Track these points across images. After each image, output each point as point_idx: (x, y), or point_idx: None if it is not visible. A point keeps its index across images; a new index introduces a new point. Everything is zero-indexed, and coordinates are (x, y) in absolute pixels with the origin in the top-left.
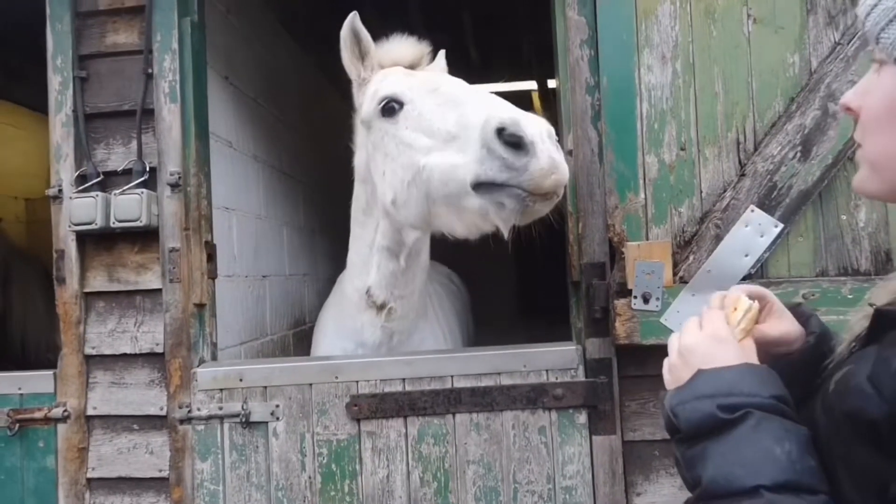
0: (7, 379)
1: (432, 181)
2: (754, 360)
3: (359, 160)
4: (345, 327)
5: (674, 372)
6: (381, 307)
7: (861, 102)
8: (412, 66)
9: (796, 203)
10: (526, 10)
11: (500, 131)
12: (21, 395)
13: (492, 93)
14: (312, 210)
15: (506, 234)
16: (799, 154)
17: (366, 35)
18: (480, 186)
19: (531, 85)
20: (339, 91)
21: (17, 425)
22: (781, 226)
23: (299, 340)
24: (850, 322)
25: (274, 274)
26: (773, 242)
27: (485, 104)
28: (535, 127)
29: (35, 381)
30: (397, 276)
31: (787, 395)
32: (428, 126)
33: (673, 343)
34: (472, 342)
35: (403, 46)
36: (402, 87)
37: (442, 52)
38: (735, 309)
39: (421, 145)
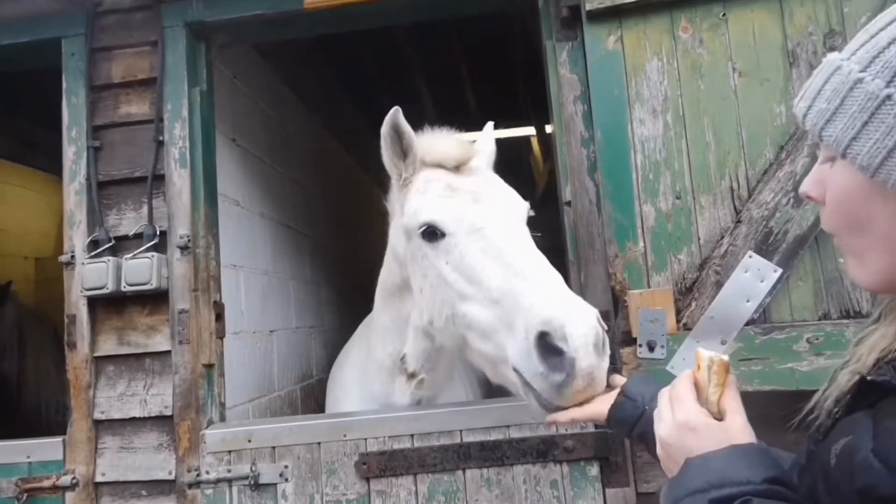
0: (16, 447)
1: (471, 331)
2: (739, 431)
3: (396, 241)
4: (371, 391)
5: (664, 463)
6: (412, 375)
7: (821, 192)
8: (457, 166)
9: (793, 248)
10: (521, 62)
11: (542, 336)
12: (30, 463)
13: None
14: (318, 263)
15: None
16: (792, 200)
17: (408, 131)
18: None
19: (530, 130)
20: (344, 146)
21: (25, 495)
22: (780, 270)
23: (307, 395)
24: (836, 375)
25: (281, 328)
26: (774, 287)
27: (531, 283)
28: (581, 335)
29: (44, 449)
30: (430, 353)
31: (781, 475)
32: (470, 274)
33: (657, 430)
34: (485, 392)
35: (447, 145)
36: (443, 215)
37: (490, 125)
38: (699, 367)
39: (461, 290)
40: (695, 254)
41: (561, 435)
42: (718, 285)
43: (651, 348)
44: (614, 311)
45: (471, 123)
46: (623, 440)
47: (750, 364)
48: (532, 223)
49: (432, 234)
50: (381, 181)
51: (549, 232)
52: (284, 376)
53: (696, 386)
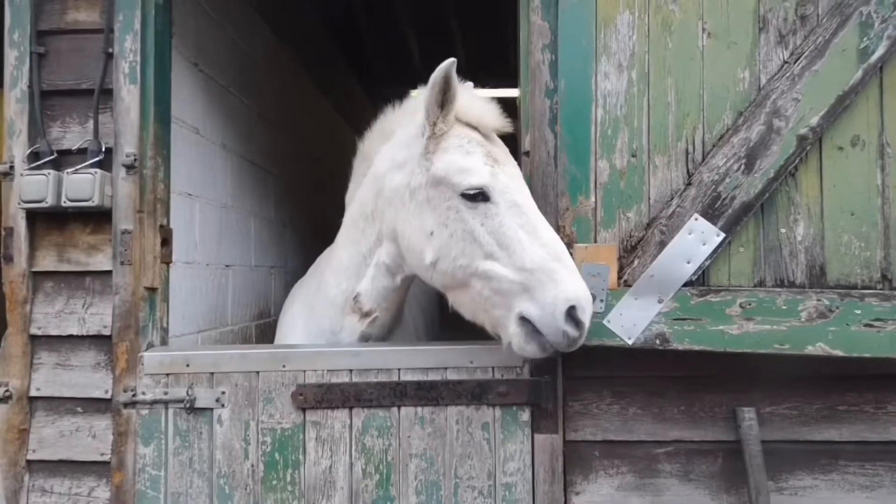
0: None
1: (485, 287)
2: None
3: (379, 170)
4: (318, 326)
5: None
6: (365, 314)
7: None
8: (486, 135)
9: (738, 214)
10: (512, 19)
11: (571, 309)
12: None
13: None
14: (284, 203)
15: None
16: (743, 167)
17: (456, 87)
18: (526, 321)
19: (517, 93)
20: (320, 87)
21: None
22: (723, 235)
23: (262, 332)
24: None
25: (238, 264)
26: (715, 251)
27: (563, 265)
28: (590, 313)
29: None
30: (389, 292)
31: None
32: (504, 242)
33: None
34: (436, 337)
35: (489, 112)
36: (493, 184)
37: (468, 85)
38: None
39: (488, 250)
40: (643, 213)
41: (496, 380)
42: (662, 245)
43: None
44: None
45: (459, 77)
46: (556, 388)
47: (683, 324)
48: None
49: (475, 197)
50: (357, 126)
51: None
52: (239, 312)
53: None
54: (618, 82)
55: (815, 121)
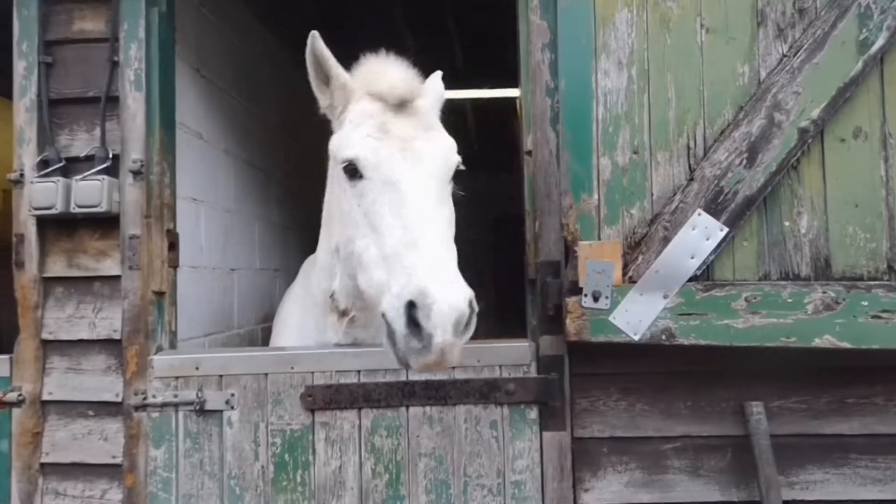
0: None
1: (361, 270)
2: None
3: (330, 169)
4: (308, 325)
5: None
6: (342, 313)
7: None
8: (400, 103)
9: (741, 208)
10: (511, 20)
11: (411, 305)
12: None
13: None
14: (286, 206)
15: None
16: (745, 161)
17: (328, 58)
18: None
19: (516, 93)
20: None
21: None
22: (727, 230)
23: (268, 335)
24: None
25: (244, 268)
26: (719, 246)
27: (419, 253)
28: (441, 314)
29: None
30: (358, 290)
31: None
32: (375, 223)
33: None
34: None
35: (393, 79)
36: (366, 157)
37: (437, 75)
38: None
39: (364, 233)
40: (646, 209)
41: (504, 378)
42: (666, 241)
43: (596, 298)
44: (565, 261)
45: (457, 78)
46: (563, 386)
47: (689, 319)
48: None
49: (352, 172)
50: None
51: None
52: (245, 315)
53: None
54: (618, 80)
55: (816, 113)
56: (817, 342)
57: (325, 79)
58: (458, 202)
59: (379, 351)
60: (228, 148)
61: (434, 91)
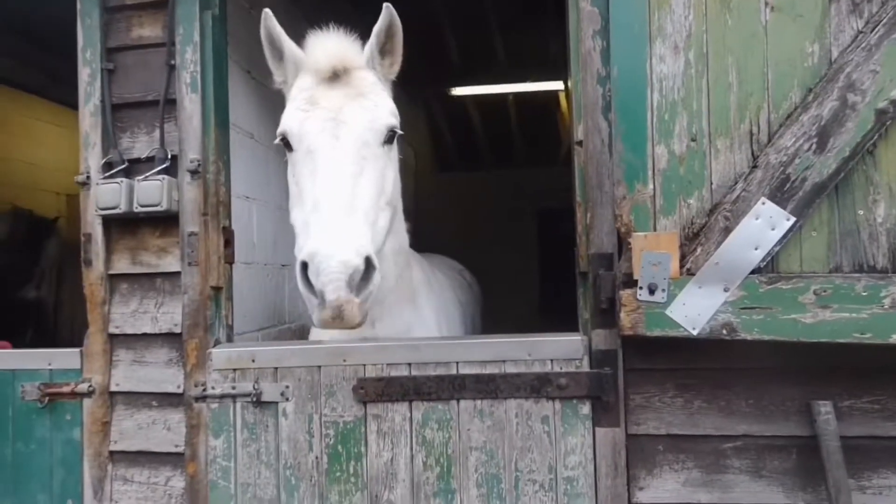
0: (38, 355)
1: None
2: None
3: None
4: None
5: None
6: None
7: None
8: (334, 74)
9: (810, 196)
10: (553, 12)
11: (305, 266)
12: (51, 370)
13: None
14: None
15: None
16: (814, 146)
17: (280, 36)
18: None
19: (558, 85)
20: None
21: (47, 398)
22: (794, 219)
23: None
24: None
25: (293, 264)
26: (785, 236)
27: (318, 216)
28: (330, 271)
29: (63, 358)
30: None
31: None
32: (301, 194)
33: None
34: (477, 333)
35: (321, 52)
36: (291, 130)
37: (387, 6)
38: None
39: (295, 202)
40: (705, 199)
41: (555, 373)
42: (727, 231)
43: (652, 291)
44: (618, 253)
45: (498, 73)
46: (617, 381)
47: (752, 313)
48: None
49: (287, 145)
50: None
51: None
52: (295, 310)
53: None
54: (674, 65)
55: (895, 93)
56: (895, 338)
57: (279, 55)
58: (501, 196)
59: (430, 343)
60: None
61: (377, 36)
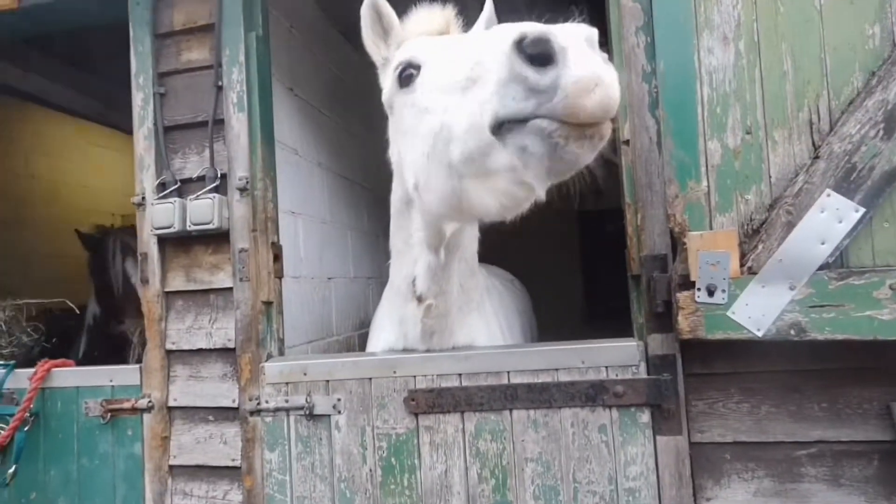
0: (101, 372)
1: (452, 143)
2: None
3: (391, 151)
4: (393, 319)
5: None
6: (420, 300)
7: None
8: (441, 34)
9: (880, 185)
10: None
11: (520, 43)
12: (112, 386)
13: None
14: (376, 215)
15: (541, 193)
16: (882, 132)
17: (388, 9)
18: (504, 129)
19: None
20: None
21: (109, 414)
22: (863, 210)
23: (364, 341)
24: None
25: (339, 276)
26: (854, 228)
27: (507, 28)
28: (566, 32)
29: (124, 375)
30: (436, 272)
31: None
32: (446, 81)
33: None
34: (525, 332)
35: (427, 15)
36: (419, 49)
37: (489, 4)
38: None
39: (438, 106)
40: (764, 193)
41: (611, 380)
42: (790, 226)
43: (711, 292)
44: (672, 254)
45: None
46: (677, 387)
47: (821, 311)
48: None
49: (409, 76)
50: None
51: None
52: (342, 322)
53: None
54: (724, 56)
55: None
56: None
57: (382, 33)
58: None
59: (480, 353)
60: (321, 161)
61: (485, 19)
